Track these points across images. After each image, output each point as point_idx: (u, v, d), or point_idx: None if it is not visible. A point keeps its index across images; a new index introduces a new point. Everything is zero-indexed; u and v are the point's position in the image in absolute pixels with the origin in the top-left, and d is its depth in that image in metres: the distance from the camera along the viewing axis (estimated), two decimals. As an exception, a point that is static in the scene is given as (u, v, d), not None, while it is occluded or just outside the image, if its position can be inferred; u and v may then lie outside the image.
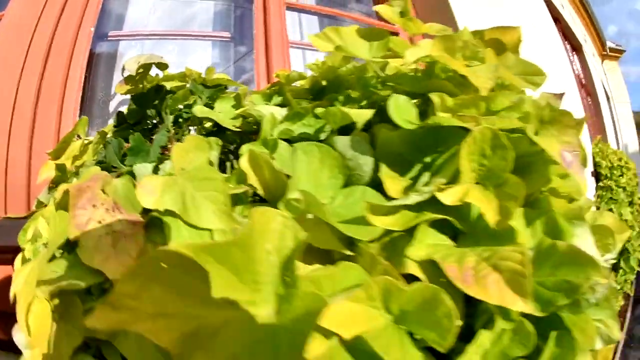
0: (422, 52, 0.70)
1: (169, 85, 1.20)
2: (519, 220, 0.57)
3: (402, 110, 0.65)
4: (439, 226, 0.55)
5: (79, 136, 1.08)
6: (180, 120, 1.13)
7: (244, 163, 0.68)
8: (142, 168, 0.86)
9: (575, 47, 9.17)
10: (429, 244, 0.53)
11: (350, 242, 0.55)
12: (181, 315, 0.42)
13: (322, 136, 0.74)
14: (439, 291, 0.44)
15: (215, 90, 1.11)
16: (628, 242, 5.79)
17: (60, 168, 1.00)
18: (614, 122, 12.51)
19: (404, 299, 0.45)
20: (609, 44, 14.46)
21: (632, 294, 7.08)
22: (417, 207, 0.55)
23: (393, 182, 0.59)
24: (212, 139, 0.87)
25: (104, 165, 0.93)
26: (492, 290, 0.45)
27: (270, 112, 0.80)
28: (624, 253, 5.78)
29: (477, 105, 0.64)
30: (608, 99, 12.45)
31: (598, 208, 5.64)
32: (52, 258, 0.69)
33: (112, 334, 0.57)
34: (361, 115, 0.68)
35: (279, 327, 0.42)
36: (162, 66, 1.20)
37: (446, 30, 0.84)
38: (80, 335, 0.59)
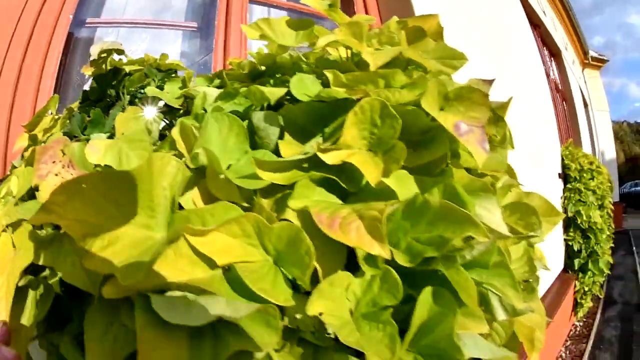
0: (332, 38, 0.78)
1: (129, 68, 1.29)
2: (408, 184, 0.63)
3: (303, 86, 0.72)
4: (328, 186, 0.61)
5: (51, 112, 1.18)
6: (136, 100, 1.22)
7: (174, 132, 0.77)
8: (97, 137, 0.97)
9: (554, 53, 9.31)
10: (313, 199, 0.59)
11: (250, 198, 0.63)
12: (89, 223, 0.51)
13: (251, 114, 0.83)
14: (300, 230, 0.51)
15: (166, 73, 1.21)
16: (597, 245, 5.83)
17: (33, 138, 1.12)
18: (590, 128, 12.73)
19: (274, 237, 0.52)
20: (592, 53, 14.69)
21: (601, 296, 7.17)
22: (308, 168, 0.62)
23: (287, 147, 0.66)
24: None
25: (68, 135, 1.03)
26: (353, 235, 0.51)
27: (203, 91, 0.88)
28: (592, 255, 5.85)
29: (375, 81, 0.71)
30: (586, 105, 12.64)
31: (565, 209, 5.73)
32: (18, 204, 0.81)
33: (55, 260, 0.65)
34: (274, 93, 0.76)
35: (161, 246, 0.51)
36: (120, 52, 1.29)
37: (371, 20, 0.91)
38: (29, 259, 0.67)
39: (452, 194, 0.64)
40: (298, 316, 0.52)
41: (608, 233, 6.57)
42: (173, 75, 1.23)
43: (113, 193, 0.53)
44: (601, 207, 6.21)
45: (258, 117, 0.73)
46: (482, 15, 3.90)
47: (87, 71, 1.33)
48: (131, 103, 1.21)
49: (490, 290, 0.65)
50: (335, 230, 0.51)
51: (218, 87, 0.97)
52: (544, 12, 8.17)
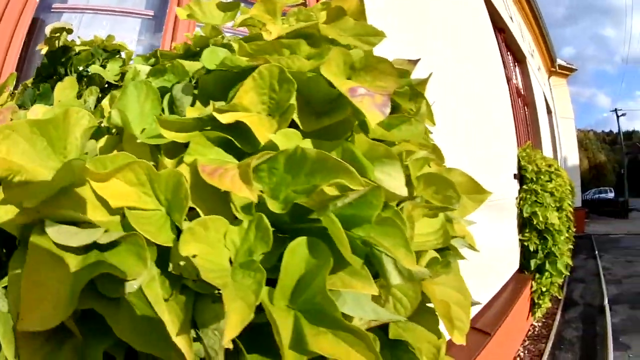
0: (248, 15, 0.85)
1: (79, 48, 1.36)
2: (297, 142, 0.66)
3: (214, 57, 0.78)
4: (226, 147, 0.67)
5: (9, 88, 1.26)
6: (84, 78, 1.29)
7: (105, 101, 0.83)
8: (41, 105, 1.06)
9: (519, 59, 9.51)
10: (209, 157, 0.63)
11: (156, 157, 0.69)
12: (13, 162, 0.57)
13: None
14: (181, 175, 0.57)
15: (110, 54, 1.29)
16: (555, 246, 5.92)
17: (-10, 110, 1.19)
18: (553, 134, 13.03)
19: (163, 185, 0.58)
20: (560, 61, 15.05)
21: (561, 297, 7.27)
22: (210, 130, 0.67)
23: (193, 111, 0.71)
24: (93, 87, 1.04)
25: (21, 106, 1.13)
26: (227, 180, 0.55)
27: (135, 66, 0.95)
28: (549, 256, 5.99)
29: (279, 51, 0.76)
30: (549, 112, 12.92)
31: (521, 210, 5.87)
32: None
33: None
34: (192, 65, 0.82)
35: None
36: (69, 31, 1.36)
37: (296, 1, 0.97)
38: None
39: (351, 158, 0.67)
40: (181, 263, 0.56)
41: (567, 235, 6.69)
42: (117, 55, 1.31)
43: (34, 138, 0.59)
44: (559, 209, 6.35)
45: (177, 88, 0.79)
46: (440, 14, 3.98)
47: (41, 48, 1.40)
48: (78, 79, 1.29)
49: (384, 253, 0.65)
50: (214, 178, 0.56)
51: (152, 65, 1.03)
52: (511, 18, 8.32)
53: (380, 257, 0.65)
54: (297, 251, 0.57)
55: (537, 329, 6.46)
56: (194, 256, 0.53)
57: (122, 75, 1.16)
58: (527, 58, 9.70)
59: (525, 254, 6.09)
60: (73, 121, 0.63)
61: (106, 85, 1.21)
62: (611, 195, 34.98)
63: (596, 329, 6.28)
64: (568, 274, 6.81)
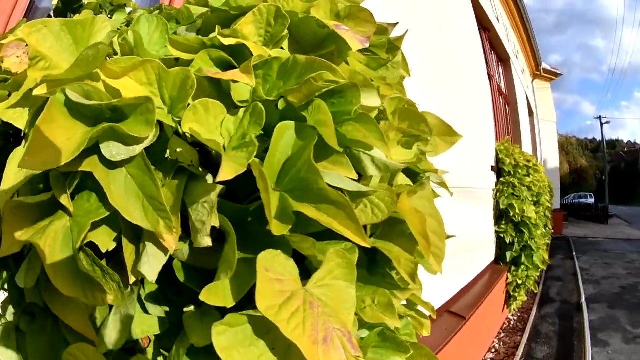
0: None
1: (87, 1, 1.48)
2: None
3: (219, 1, 0.89)
4: (225, 69, 0.74)
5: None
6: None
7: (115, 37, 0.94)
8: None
9: (503, 59, 9.72)
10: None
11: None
12: (40, 52, 0.68)
13: (180, 35, 1.00)
14: (188, 70, 0.65)
15: (116, 7, 1.40)
16: (531, 240, 6.03)
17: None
18: (534, 134, 13.25)
19: (170, 84, 0.66)
20: (545, 65, 15.30)
21: (537, 291, 7.37)
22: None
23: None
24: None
25: None
26: (229, 74, 0.66)
27: (143, 12, 1.06)
28: (525, 249, 6.10)
29: None
30: (531, 113, 13.11)
31: (498, 202, 5.99)
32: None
33: None
34: (197, 9, 0.93)
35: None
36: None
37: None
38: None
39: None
40: (178, 150, 0.65)
41: (544, 231, 6.82)
42: (121, 7, 1.43)
43: (62, 35, 0.70)
44: (537, 203, 6.48)
45: (181, 29, 0.91)
46: (425, 5, 4.07)
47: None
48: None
49: (361, 152, 0.74)
50: (218, 74, 0.67)
51: (157, 16, 1.14)
52: (497, 19, 8.46)
53: (358, 155, 0.75)
54: (285, 133, 0.65)
55: (512, 322, 6.55)
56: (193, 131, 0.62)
57: (128, 23, 1.26)
58: (511, 59, 9.92)
59: (501, 246, 6.21)
60: (97, 28, 0.75)
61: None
62: (591, 200, 35.24)
63: (573, 325, 6.35)
64: (544, 268, 6.95)
